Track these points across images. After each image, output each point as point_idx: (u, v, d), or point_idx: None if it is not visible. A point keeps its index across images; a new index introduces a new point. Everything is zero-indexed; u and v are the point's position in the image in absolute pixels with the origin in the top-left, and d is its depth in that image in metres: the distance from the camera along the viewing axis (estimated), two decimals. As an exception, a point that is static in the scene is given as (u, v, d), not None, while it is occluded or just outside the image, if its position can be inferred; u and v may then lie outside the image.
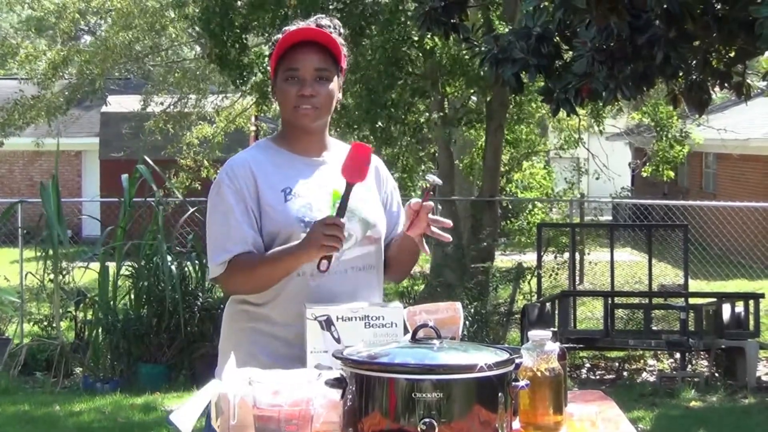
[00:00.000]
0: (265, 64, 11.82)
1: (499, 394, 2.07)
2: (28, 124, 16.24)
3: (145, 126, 16.80)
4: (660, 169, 15.11)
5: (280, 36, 2.74)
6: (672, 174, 15.65)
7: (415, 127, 11.52)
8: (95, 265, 9.08)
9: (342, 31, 2.79)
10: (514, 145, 14.33)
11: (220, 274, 2.66)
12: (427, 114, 11.82)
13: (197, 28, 12.12)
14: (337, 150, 2.82)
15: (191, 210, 9.41)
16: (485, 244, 10.69)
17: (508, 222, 15.32)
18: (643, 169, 16.09)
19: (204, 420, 2.25)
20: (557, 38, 5.87)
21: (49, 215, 8.90)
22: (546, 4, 5.87)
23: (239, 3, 10.98)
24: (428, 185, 2.61)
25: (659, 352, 9.53)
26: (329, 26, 2.74)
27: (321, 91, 2.69)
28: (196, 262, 8.84)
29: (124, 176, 9.16)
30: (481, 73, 9.45)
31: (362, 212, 2.71)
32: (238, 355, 2.67)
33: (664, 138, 14.72)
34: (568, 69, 5.80)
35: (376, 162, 2.87)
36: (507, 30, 8.42)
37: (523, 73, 5.98)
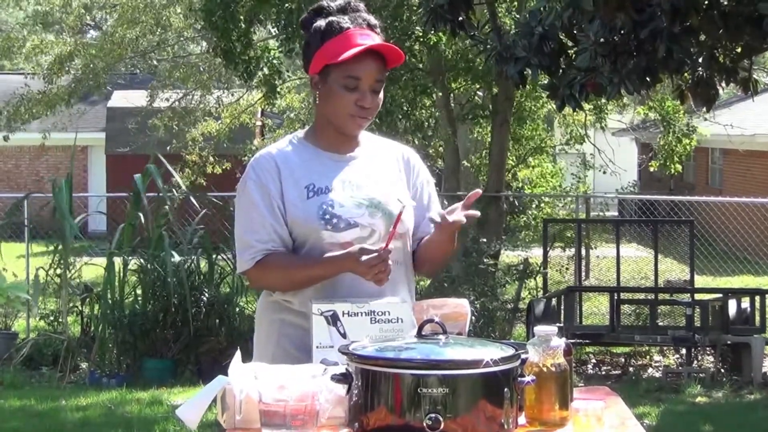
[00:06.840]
0: (271, 58, 11.79)
1: (505, 389, 2.08)
2: (34, 118, 16.23)
3: (150, 123, 16.78)
4: (668, 163, 15.07)
5: (322, 23, 2.65)
6: (680, 168, 15.60)
7: (419, 123, 11.48)
8: (102, 261, 9.09)
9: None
10: (518, 141, 14.29)
11: (248, 270, 2.65)
12: (430, 111, 11.79)
13: (200, 21, 12.06)
14: (369, 144, 2.79)
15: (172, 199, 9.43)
16: (494, 244, 10.64)
17: (514, 217, 15.29)
18: (650, 164, 16.04)
19: (215, 415, 2.25)
20: (562, 36, 5.86)
21: (62, 210, 8.90)
22: (552, 5, 5.84)
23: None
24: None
25: (665, 348, 9.52)
26: (377, 26, 2.69)
27: (376, 102, 2.67)
28: (204, 257, 8.86)
29: (137, 176, 9.17)
30: (487, 68, 9.44)
31: (387, 206, 2.65)
32: (269, 347, 2.68)
33: (670, 132, 14.67)
34: (571, 64, 5.79)
35: (409, 153, 2.84)
36: (513, 24, 8.41)
37: (527, 71, 5.97)
